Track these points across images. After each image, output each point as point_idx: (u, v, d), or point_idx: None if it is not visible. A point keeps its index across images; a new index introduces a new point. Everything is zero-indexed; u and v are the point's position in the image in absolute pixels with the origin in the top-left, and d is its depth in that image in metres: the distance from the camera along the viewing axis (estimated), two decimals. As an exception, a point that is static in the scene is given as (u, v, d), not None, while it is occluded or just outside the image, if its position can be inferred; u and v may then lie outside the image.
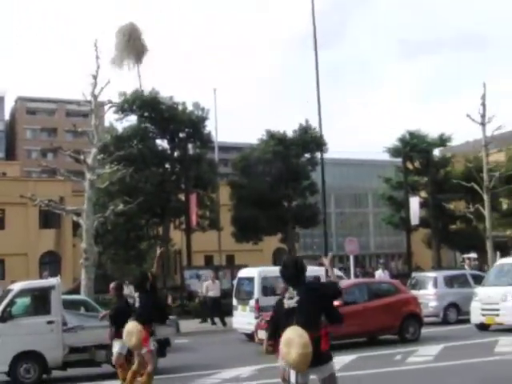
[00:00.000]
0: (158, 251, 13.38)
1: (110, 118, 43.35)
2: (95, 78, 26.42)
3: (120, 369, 13.34)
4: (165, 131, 43.50)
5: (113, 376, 15.68)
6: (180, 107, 43.49)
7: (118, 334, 13.32)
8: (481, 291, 23.06)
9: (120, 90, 41.94)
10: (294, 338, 7.45)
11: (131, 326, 12.13)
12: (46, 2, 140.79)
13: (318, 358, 7.45)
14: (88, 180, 25.76)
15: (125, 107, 42.49)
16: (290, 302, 7.80)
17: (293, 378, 7.71)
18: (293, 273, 8.03)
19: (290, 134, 47.92)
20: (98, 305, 19.37)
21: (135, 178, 38.68)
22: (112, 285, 14.41)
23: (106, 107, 32.37)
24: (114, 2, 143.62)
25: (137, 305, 12.45)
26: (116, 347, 13.34)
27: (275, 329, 8.28)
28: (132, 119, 43.47)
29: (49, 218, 54.10)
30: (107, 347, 15.64)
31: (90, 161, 25.93)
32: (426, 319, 22.93)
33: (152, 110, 42.69)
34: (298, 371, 7.62)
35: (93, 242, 25.79)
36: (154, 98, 42.83)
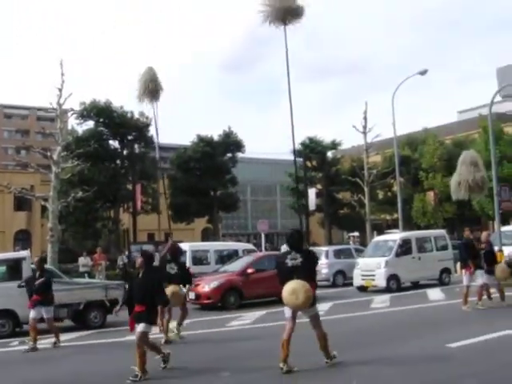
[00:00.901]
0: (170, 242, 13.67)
1: (72, 122, 42.77)
2: (60, 90, 25.86)
3: (32, 330, 12.77)
4: (116, 134, 42.93)
5: (73, 329, 15.50)
6: (129, 115, 43.06)
7: (39, 301, 12.82)
8: (361, 261, 23.59)
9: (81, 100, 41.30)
10: (298, 287, 8.32)
11: (173, 288, 12.24)
12: (26, 13, 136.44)
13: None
14: (54, 172, 25.23)
15: (84, 114, 41.91)
16: (293, 262, 8.51)
17: (287, 314, 8.74)
18: (298, 241, 8.72)
19: (215, 137, 47.94)
20: (61, 272, 18.96)
21: (92, 171, 38.19)
22: (36, 258, 13.84)
23: (69, 114, 31.91)
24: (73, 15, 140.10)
25: (172, 272, 12.56)
26: (32, 313, 12.83)
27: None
28: (90, 124, 42.91)
29: (22, 203, 52.60)
30: (67, 306, 15.41)
31: (55, 157, 25.40)
32: (319, 283, 23.29)
33: (106, 116, 42.15)
34: (302, 309, 8.55)
35: (57, 222, 25.27)
36: (108, 107, 42.32)
